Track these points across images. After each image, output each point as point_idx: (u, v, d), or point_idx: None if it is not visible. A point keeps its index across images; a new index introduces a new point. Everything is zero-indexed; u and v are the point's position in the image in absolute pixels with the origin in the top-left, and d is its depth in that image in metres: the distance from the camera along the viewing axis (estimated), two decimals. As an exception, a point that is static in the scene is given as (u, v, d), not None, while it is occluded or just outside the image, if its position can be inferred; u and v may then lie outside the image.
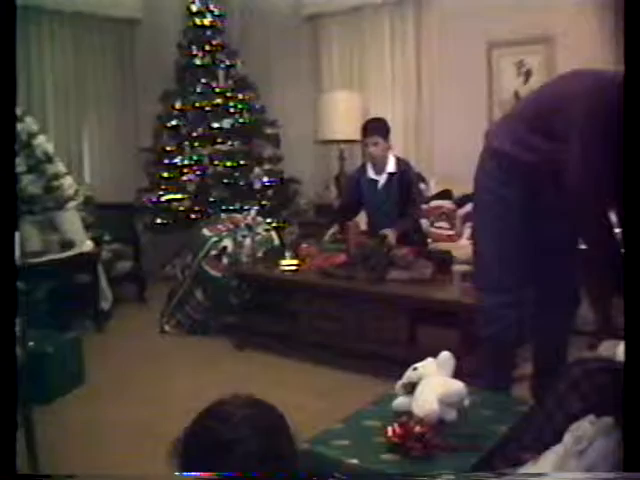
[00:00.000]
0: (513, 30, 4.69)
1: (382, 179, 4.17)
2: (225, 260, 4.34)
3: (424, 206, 4.51)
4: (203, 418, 1.08)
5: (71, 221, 4.42)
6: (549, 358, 2.61)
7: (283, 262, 4.00)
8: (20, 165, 4.23)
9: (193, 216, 5.52)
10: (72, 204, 4.41)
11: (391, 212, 4.09)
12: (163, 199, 5.62)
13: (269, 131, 5.92)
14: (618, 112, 1.92)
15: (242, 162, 5.70)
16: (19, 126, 4.19)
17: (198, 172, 5.61)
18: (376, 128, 4.16)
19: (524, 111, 2.52)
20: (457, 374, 2.01)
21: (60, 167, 4.36)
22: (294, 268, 3.95)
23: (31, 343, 3.21)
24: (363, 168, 4.27)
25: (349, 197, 4.37)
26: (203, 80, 5.72)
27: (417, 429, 1.76)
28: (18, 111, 4.23)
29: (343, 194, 4.69)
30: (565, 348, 2.61)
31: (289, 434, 1.09)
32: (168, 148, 5.71)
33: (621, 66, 1.63)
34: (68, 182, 4.38)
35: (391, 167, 4.16)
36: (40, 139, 4.28)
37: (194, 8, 5.78)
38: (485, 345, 2.57)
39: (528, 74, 4.79)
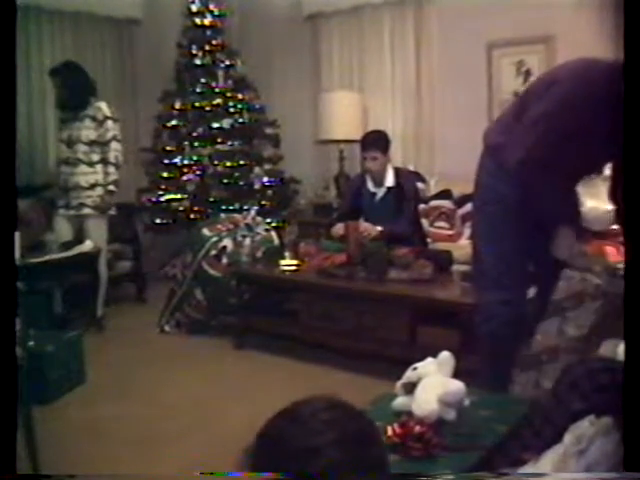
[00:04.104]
0: (513, 30, 4.68)
1: (380, 192, 4.18)
2: (225, 260, 4.33)
3: (424, 206, 4.51)
4: (277, 418, 0.95)
5: (101, 228, 4.53)
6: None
7: (283, 262, 4.01)
8: (96, 154, 4.39)
9: (193, 216, 5.51)
10: (110, 212, 4.54)
11: (387, 222, 4.11)
12: (163, 199, 5.61)
13: (269, 131, 5.91)
14: (603, 98, 1.95)
15: (242, 162, 5.69)
16: (109, 123, 4.38)
17: (198, 172, 5.60)
18: (375, 142, 4.13)
19: (516, 107, 2.54)
20: (457, 374, 2.01)
21: (118, 177, 4.47)
22: (294, 268, 3.95)
23: (31, 343, 3.22)
24: (363, 178, 4.27)
25: (350, 205, 4.36)
26: (203, 80, 5.70)
27: (417, 429, 1.76)
28: (108, 112, 4.39)
29: (343, 200, 4.69)
30: (565, 348, 2.61)
31: (380, 442, 0.96)
32: (168, 148, 5.70)
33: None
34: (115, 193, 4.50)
35: (390, 181, 4.16)
36: (117, 145, 4.43)
37: (194, 8, 5.77)
38: (483, 343, 2.57)
39: (528, 74, 4.78)
